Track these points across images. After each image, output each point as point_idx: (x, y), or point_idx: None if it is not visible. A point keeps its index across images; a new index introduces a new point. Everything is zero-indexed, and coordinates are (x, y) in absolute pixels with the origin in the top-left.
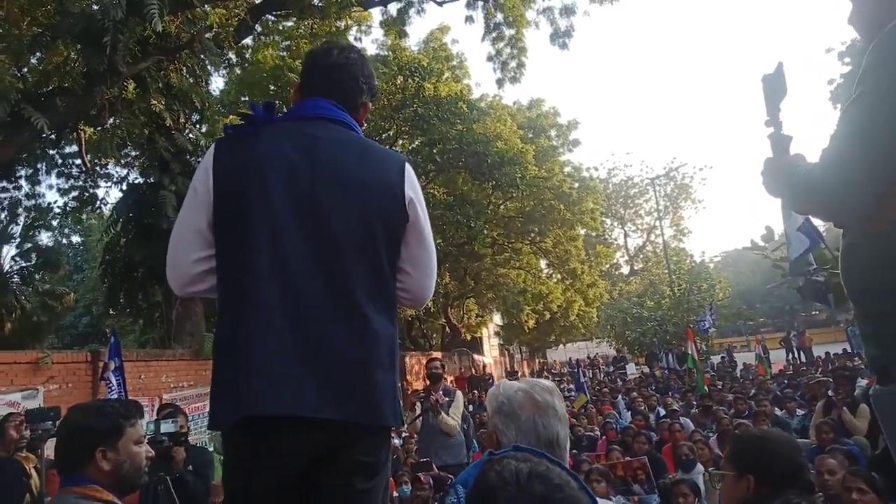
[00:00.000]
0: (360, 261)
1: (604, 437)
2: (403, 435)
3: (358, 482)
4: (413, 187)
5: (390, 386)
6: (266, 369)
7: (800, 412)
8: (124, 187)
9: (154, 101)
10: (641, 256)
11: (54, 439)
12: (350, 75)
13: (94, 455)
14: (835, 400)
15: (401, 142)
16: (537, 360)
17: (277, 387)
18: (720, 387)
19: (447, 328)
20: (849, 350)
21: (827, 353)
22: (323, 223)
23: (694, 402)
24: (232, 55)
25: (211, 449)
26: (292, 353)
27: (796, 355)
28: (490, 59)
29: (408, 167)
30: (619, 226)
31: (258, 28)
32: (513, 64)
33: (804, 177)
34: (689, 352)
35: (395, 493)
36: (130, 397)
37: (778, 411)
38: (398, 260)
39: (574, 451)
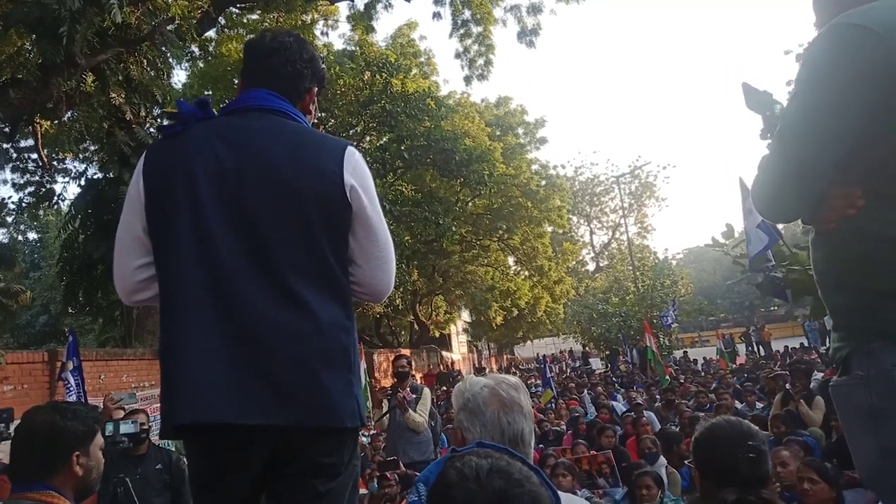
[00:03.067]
0: (299, 254)
1: (570, 431)
2: (371, 433)
3: (318, 483)
4: (356, 174)
5: (342, 383)
6: (196, 376)
7: (759, 405)
8: (83, 182)
9: (114, 95)
10: (607, 253)
11: (6, 442)
12: (286, 60)
13: (71, 459)
14: (792, 393)
15: (368, 138)
16: (505, 357)
17: (206, 394)
18: (682, 381)
19: (415, 325)
20: (806, 344)
21: (786, 348)
22: (254, 219)
23: (657, 396)
24: (195, 48)
25: (173, 450)
26: (225, 356)
27: (755, 349)
28: (458, 56)
29: (349, 153)
30: (586, 223)
31: (222, 21)
32: (480, 61)
33: (755, 177)
34: (648, 345)
35: (365, 490)
36: (90, 399)
37: (738, 404)
38: (347, 252)
39: (540, 445)
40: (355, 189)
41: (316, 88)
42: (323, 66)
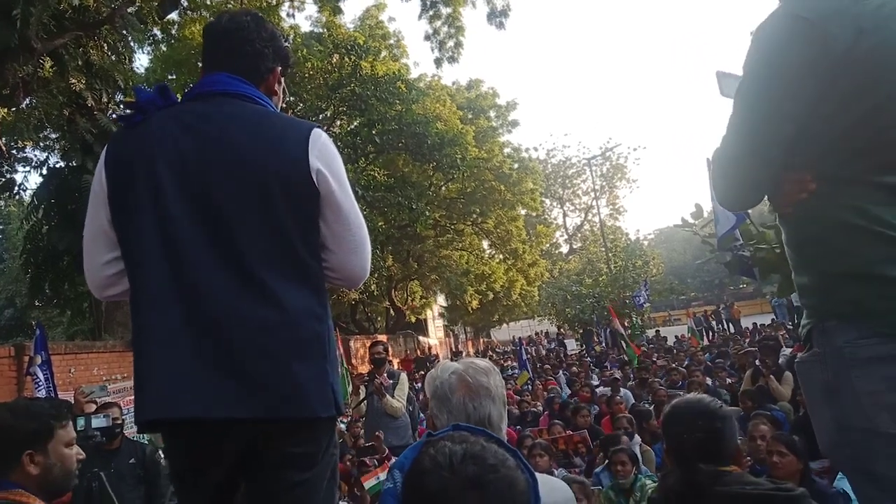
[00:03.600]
0: (265, 243)
1: (547, 412)
2: (349, 418)
3: (293, 474)
4: (323, 157)
5: (314, 372)
6: (162, 371)
7: (729, 381)
8: (44, 172)
9: (73, 80)
10: (580, 235)
11: None
12: (244, 41)
13: (22, 459)
14: (761, 369)
15: (339, 122)
16: (482, 340)
17: (172, 389)
18: (655, 359)
19: (391, 311)
20: (775, 320)
21: (754, 324)
22: (218, 209)
23: (631, 375)
24: (157, 31)
25: (147, 443)
26: (191, 350)
27: (725, 327)
28: (428, 38)
29: (315, 136)
30: (559, 205)
31: (184, 2)
32: (450, 43)
33: (713, 171)
34: (615, 328)
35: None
36: (60, 393)
37: (709, 381)
38: (318, 237)
39: (518, 427)
40: (322, 173)
41: (279, 68)
42: (286, 44)
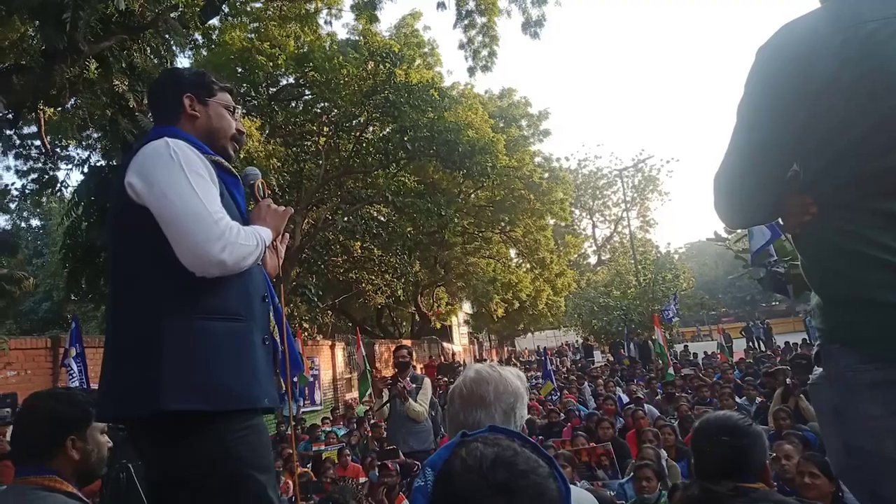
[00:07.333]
0: (122, 264)
1: (569, 423)
2: (371, 422)
3: (160, 473)
4: (139, 169)
5: (138, 373)
6: None
7: (759, 400)
8: (85, 170)
9: (117, 82)
10: (609, 247)
11: (11, 427)
12: (151, 98)
13: (65, 444)
14: (791, 388)
15: (371, 128)
16: (506, 349)
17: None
18: (683, 374)
19: (417, 316)
20: (808, 340)
21: (787, 343)
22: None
23: (658, 389)
24: (198, 36)
25: None
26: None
27: (756, 345)
28: (462, 46)
29: (142, 152)
30: (588, 216)
31: (225, 8)
32: (484, 52)
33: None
34: (656, 337)
35: (362, 480)
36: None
37: (738, 398)
38: (163, 243)
39: (540, 437)
40: (133, 185)
41: (189, 93)
42: (191, 72)
